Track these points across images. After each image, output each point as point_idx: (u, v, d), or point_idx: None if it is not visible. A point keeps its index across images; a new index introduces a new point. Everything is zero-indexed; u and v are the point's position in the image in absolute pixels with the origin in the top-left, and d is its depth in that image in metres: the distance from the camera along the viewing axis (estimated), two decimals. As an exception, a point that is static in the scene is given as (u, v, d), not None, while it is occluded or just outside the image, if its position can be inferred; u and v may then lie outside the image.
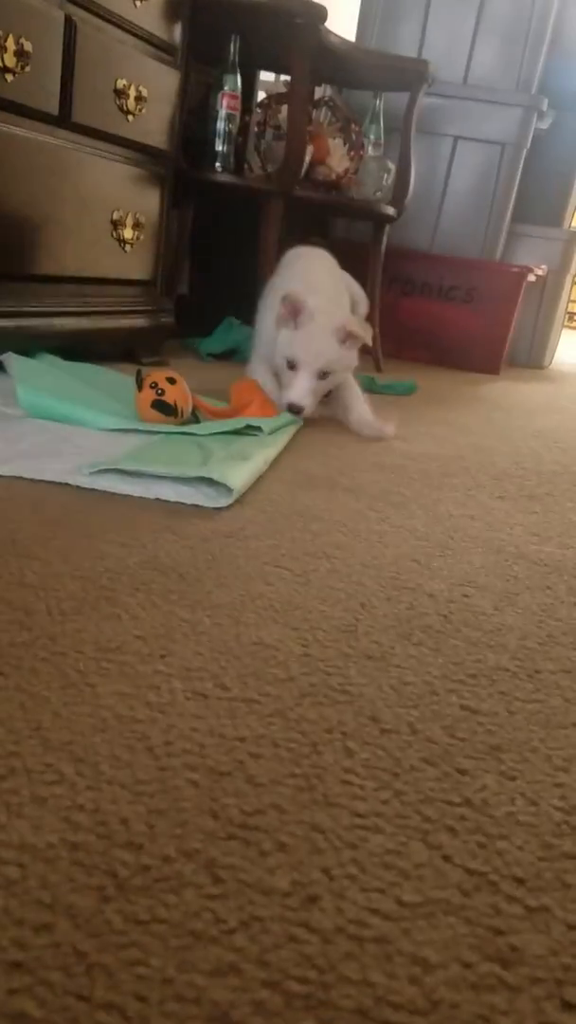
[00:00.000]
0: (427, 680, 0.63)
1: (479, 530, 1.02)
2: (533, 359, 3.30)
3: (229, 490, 0.98)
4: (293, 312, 1.41)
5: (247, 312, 2.28)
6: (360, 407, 1.51)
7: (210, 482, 0.99)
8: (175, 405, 1.23)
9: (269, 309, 1.58)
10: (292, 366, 1.42)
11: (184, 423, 1.24)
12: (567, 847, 0.46)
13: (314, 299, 1.42)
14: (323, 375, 1.42)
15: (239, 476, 1.01)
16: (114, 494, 0.95)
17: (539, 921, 0.40)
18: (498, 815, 0.48)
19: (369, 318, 2.46)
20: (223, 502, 0.97)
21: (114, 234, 1.69)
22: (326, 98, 2.43)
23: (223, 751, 0.50)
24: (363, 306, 1.86)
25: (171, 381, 1.24)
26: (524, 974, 0.37)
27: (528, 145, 2.77)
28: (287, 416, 1.38)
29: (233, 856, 0.42)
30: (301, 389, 1.41)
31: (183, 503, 0.96)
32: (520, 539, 1.01)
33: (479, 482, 1.27)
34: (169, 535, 0.86)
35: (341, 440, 1.44)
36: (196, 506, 0.95)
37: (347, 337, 1.42)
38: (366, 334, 1.44)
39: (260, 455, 1.13)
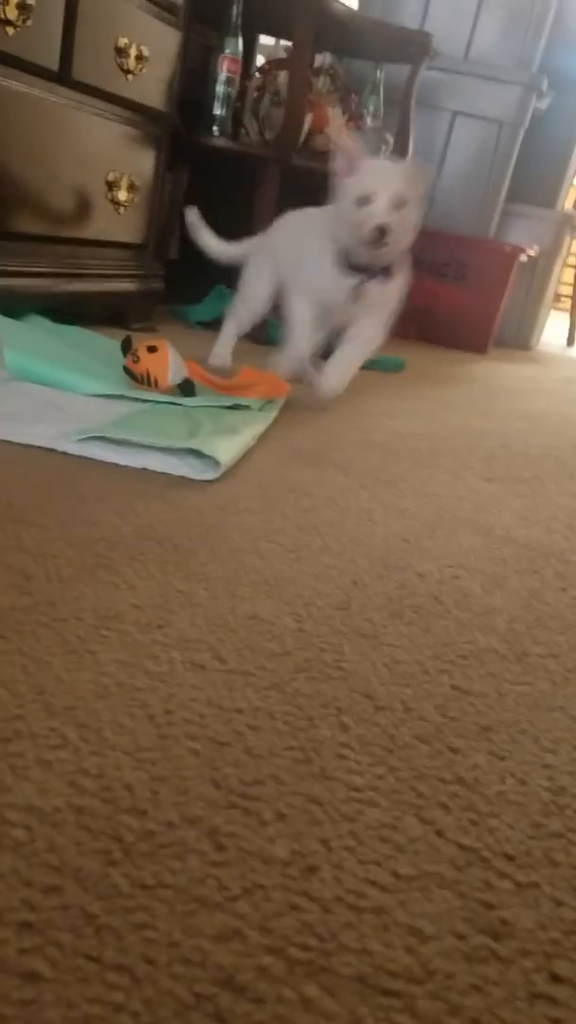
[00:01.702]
0: (419, 660, 0.64)
1: (467, 512, 1.03)
2: (521, 340, 3.31)
3: (216, 463, 0.98)
4: (349, 159, 1.37)
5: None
6: (338, 364, 1.48)
7: (198, 454, 0.99)
8: (144, 376, 1.23)
9: (253, 267, 1.62)
10: (367, 200, 1.33)
11: (173, 393, 1.24)
12: (555, 827, 0.47)
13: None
14: (399, 205, 1.34)
15: (227, 450, 1.01)
16: (103, 462, 0.95)
17: (529, 897, 0.42)
18: (489, 793, 0.49)
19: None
20: (210, 475, 0.97)
21: (109, 196, 1.67)
22: (326, 66, 2.39)
23: (222, 722, 0.51)
24: None
25: (151, 350, 1.23)
26: (515, 947, 0.39)
27: (526, 124, 2.76)
28: (279, 400, 1.37)
29: (235, 824, 0.43)
30: (381, 212, 1.32)
31: (171, 474, 0.96)
32: (508, 522, 1.02)
33: (467, 463, 1.28)
34: (163, 505, 0.86)
35: (330, 416, 1.44)
36: (185, 478, 0.96)
37: (413, 175, 1.38)
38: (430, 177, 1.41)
39: (249, 429, 1.13)
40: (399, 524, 0.95)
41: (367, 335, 1.49)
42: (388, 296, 1.45)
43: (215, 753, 0.48)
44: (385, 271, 1.41)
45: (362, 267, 1.39)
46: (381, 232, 1.31)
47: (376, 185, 1.33)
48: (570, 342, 3.83)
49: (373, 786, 0.48)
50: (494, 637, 0.70)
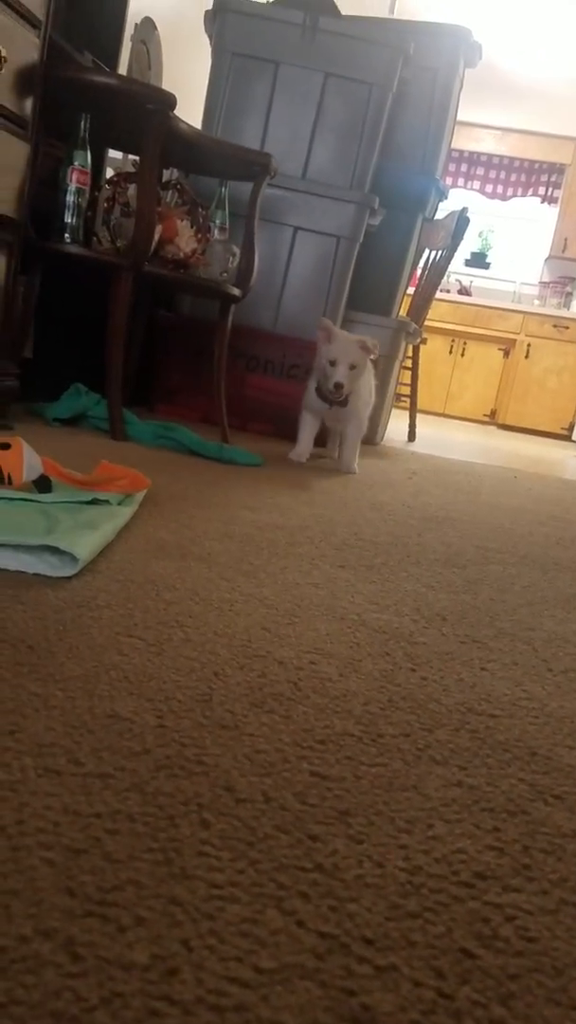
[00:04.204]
0: (279, 748, 0.65)
1: (323, 598, 1.07)
2: (367, 435, 3.47)
3: (75, 559, 0.97)
4: (327, 334, 2.23)
5: (95, 378, 2.28)
6: (347, 452, 2.42)
7: (54, 551, 0.98)
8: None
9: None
10: (333, 364, 2.21)
11: (29, 490, 1.22)
12: (411, 907, 0.49)
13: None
14: (352, 367, 2.21)
15: (85, 545, 1.00)
16: (-44, 564, 0.92)
17: (388, 980, 0.43)
18: (348, 878, 0.50)
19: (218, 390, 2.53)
20: (68, 572, 0.96)
21: (-43, 297, 1.66)
22: (173, 181, 2.51)
23: (78, 828, 0.50)
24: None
25: (5, 447, 1.22)
26: (376, 1029, 0.39)
27: (361, 239, 2.98)
28: (140, 493, 1.39)
29: (92, 933, 0.42)
30: (340, 374, 2.20)
31: (26, 572, 0.94)
32: (361, 607, 1.06)
33: (322, 552, 1.32)
34: (18, 605, 0.84)
35: (191, 510, 1.46)
36: (41, 576, 0.94)
37: (363, 347, 2.21)
38: (375, 349, 2.23)
39: (108, 524, 1.13)
40: (259, 613, 0.96)
41: (351, 427, 2.42)
42: (354, 410, 2.39)
43: (71, 861, 0.47)
44: (343, 402, 2.31)
45: (328, 399, 2.31)
46: (338, 387, 2.22)
47: (340, 355, 2.20)
48: (411, 438, 4.07)
49: (234, 881, 0.48)
50: (350, 720, 0.72)
